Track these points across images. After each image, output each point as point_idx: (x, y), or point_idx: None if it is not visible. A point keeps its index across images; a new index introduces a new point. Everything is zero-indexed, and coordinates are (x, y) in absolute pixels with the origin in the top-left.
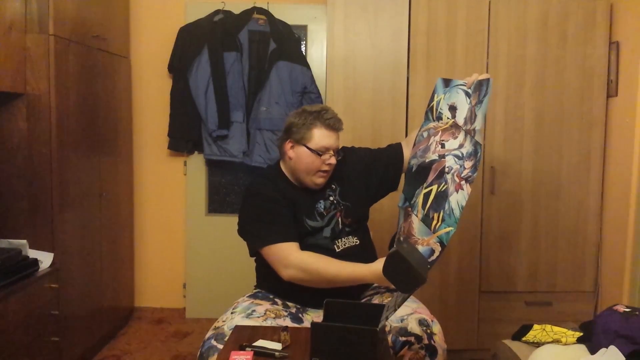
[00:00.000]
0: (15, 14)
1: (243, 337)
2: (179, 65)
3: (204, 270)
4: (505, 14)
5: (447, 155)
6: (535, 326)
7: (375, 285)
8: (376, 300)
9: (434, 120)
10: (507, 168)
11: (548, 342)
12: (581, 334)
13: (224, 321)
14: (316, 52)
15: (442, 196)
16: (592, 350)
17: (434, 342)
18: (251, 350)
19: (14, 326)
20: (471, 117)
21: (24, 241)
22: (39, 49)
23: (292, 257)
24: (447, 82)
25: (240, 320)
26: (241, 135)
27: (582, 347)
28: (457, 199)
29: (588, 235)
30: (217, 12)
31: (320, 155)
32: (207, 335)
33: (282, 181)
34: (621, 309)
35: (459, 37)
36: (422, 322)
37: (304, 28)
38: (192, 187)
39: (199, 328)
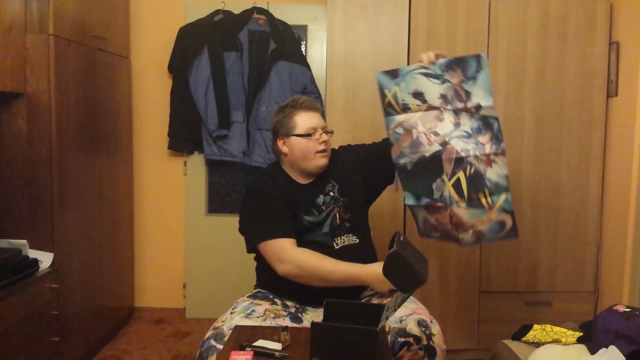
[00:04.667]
0: (15, 14)
1: (243, 337)
2: (179, 65)
3: (204, 270)
4: (505, 13)
5: (449, 140)
6: (535, 326)
7: None
8: (375, 300)
9: (400, 113)
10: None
11: (548, 342)
12: (581, 334)
13: (223, 321)
14: (316, 52)
15: (477, 177)
16: (592, 350)
17: (433, 343)
18: (251, 350)
19: (14, 326)
20: (459, 96)
21: (24, 241)
22: (39, 49)
23: (287, 253)
24: (393, 74)
25: (239, 320)
26: (241, 135)
27: (582, 347)
28: (496, 172)
29: (588, 235)
30: (217, 12)
31: (310, 135)
32: (207, 336)
33: (282, 178)
34: (621, 309)
35: (459, 36)
36: (421, 323)
37: (304, 28)
38: (192, 187)
39: (199, 328)
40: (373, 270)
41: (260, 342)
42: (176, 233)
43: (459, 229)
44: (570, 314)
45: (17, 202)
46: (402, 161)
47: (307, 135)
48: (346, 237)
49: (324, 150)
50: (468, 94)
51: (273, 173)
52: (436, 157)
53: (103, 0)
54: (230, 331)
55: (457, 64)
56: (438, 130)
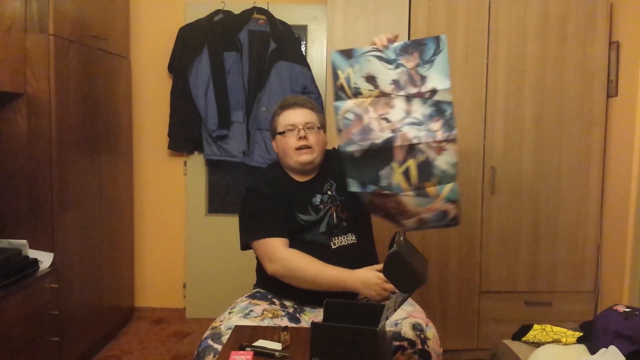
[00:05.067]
0: (15, 14)
1: (243, 337)
2: (179, 65)
3: (204, 270)
4: (505, 13)
5: (401, 127)
6: (535, 326)
7: None
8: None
9: (351, 98)
10: (507, 168)
11: (548, 342)
12: (581, 334)
13: (221, 321)
14: (316, 52)
15: (426, 166)
16: (592, 350)
17: (428, 347)
18: (251, 350)
19: (14, 326)
20: (412, 81)
21: (24, 241)
22: (39, 49)
23: (277, 252)
24: (347, 54)
25: (237, 320)
26: (241, 135)
27: (582, 347)
28: (446, 160)
29: (588, 235)
30: (217, 12)
31: (284, 133)
32: (205, 335)
33: (280, 177)
34: (621, 309)
35: (458, 36)
36: (416, 327)
37: (304, 28)
38: (192, 187)
39: (199, 328)
40: (360, 275)
41: (260, 342)
42: (176, 233)
43: (402, 215)
44: (570, 314)
45: (17, 202)
46: (349, 149)
47: (283, 132)
48: (344, 237)
49: (303, 147)
50: (423, 78)
51: (272, 172)
52: (387, 144)
53: (103, 0)
54: (228, 331)
55: (414, 47)
56: (389, 116)
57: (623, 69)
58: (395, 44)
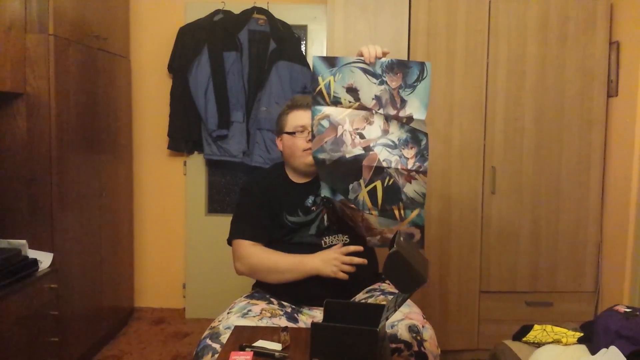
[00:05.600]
0: (15, 14)
1: (243, 337)
2: (179, 65)
3: (204, 271)
4: (505, 13)
5: (374, 146)
6: (536, 326)
7: (370, 287)
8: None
9: (329, 105)
10: (507, 168)
11: (548, 343)
12: (582, 334)
13: (219, 321)
14: (316, 52)
15: (393, 190)
16: (593, 351)
17: (424, 348)
18: (251, 350)
19: (14, 326)
20: (393, 102)
21: (24, 241)
22: (38, 48)
23: (241, 251)
24: (331, 61)
25: (235, 319)
26: (241, 135)
27: (583, 348)
28: (414, 189)
29: (588, 235)
30: (217, 12)
31: (294, 134)
32: (203, 335)
33: (278, 177)
34: (622, 309)
35: (459, 37)
36: (412, 329)
37: (304, 28)
38: (192, 187)
39: (198, 328)
40: (319, 254)
41: (260, 343)
42: (176, 233)
43: (367, 232)
44: (571, 314)
45: (17, 202)
46: (320, 156)
47: (293, 133)
48: (334, 236)
49: (310, 149)
50: (403, 102)
51: (268, 172)
52: (357, 161)
53: (103, 0)
54: (227, 330)
55: (400, 67)
56: (365, 133)
57: (623, 69)
58: (383, 59)
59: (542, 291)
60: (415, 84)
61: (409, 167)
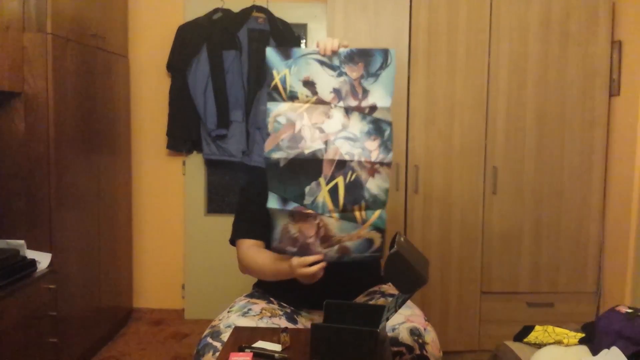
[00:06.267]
0: (12, 13)
1: (242, 338)
2: (178, 64)
3: (203, 271)
4: (506, 12)
5: (335, 140)
6: (537, 327)
7: (370, 290)
8: (375, 301)
9: (285, 101)
10: (508, 167)
11: (550, 343)
12: (583, 335)
13: (220, 320)
14: None
15: (356, 185)
16: (594, 352)
17: (426, 352)
18: (250, 351)
19: (12, 327)
20: (354, 93)
21: (22, 241)
22: (36, 47)
23: (239, 251)
24: (285, 53)
25: (236, 318)
26: (240, 135)
27: (584, 348)
28: (377, 184)
29: (590, 236)
30: (216, 10)
31: None
32: (204, 334)
33: None
34: (623, 309)
35: (460, 35)
36: (413, 332)
37: (303, 27)
38: (191, 187)
39: (198, 329)
40: (288, 260)
41: (260, 344)
42: (175, 233)
43: (324, 243)
44: (572, 315)
45: (15, 202)
46: (275, 155)
47: None
48: None
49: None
50: (365, 92)
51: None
52: (316, 156)
53: None
54: (227, 329)
55: (361, 56)
56: (324, 127)
57: (625, 68)
58: (342, 50)
59: (543, 292)
60: (379, 72)
61: (373, 159)
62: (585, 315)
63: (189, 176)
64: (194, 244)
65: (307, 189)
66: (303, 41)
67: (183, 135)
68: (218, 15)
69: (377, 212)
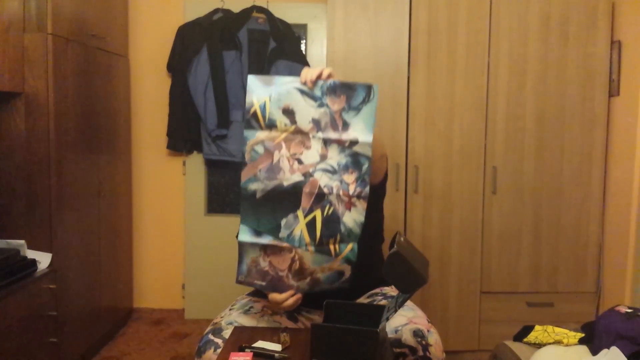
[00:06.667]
0: (13, 13)
1: (242, 338)
2: (178, 64)
3: (203, 271)
4: (506, 12)
5: (314, 172)
6: (537, 327)
7: (372, 292)
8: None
9: (263, 129)
10: (508, 167)
11: (550, 343)
12: (583, 335)
13: (221, 317)
14: (316, 51)
15: (333, 220)
16: (594, 352)
17: (430, 353)
18: (250, 351)
19: (12, 327)
20: (334, 125)
21: (22, 241)
22: (37, 48)
23: None
24: (267, 80)
25: (237, 316)
26: (241, 135)
27: (584, 348)
28: (353, 217)
29: (590, 236)
30: (216, 10)
31: None
32: (206, 331)
33: None
34: (623, 309)
35: (460, 35)
36: (417, 333)
37: (303, 27)
38: (191, 187)
39: (198, 329)
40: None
41: (260, 344)
42: (175, 233)
43: (297, 276)
44: (572, 315)
45: (15, 202)
46: (252, 186)
47: None
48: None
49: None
50: (346, 125)
51: None
52: (296, 189)
53: None
54: (229, 326)
55: (343, 89)
56: (302, 158)
57: (625, 68)
58: (322, 82)
59: (543, 292)
60: (360, 106)
61: (350, 192)
62: (585, 315)
63: (189, 176)
64: (194, 244)
65: (283, 221)
66: (303, 41)
67: (183, 135)
68: (218, 15)
69: (350, 245)
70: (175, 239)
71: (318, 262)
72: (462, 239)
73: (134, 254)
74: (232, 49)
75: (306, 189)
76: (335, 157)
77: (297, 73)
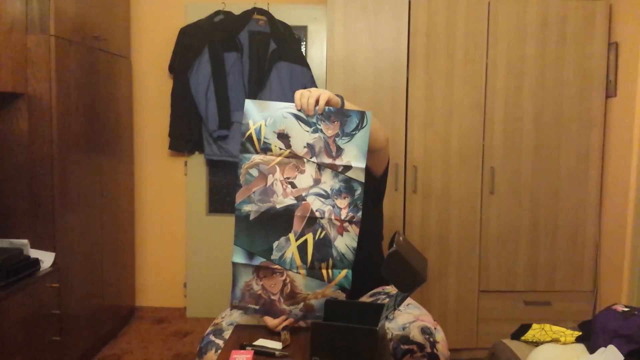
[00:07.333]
0: (16, 15)
1: (243, 336)
2: (180, 65)
3: (205, 270)
4: (504, 14)
5: (307, 195)
6: (534, 325)
7: (374, 291)
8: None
9: (258, 153)
10: (506, 168)
11: (547, 342)
12: (580, 333)
13: (222, 317)
14: (316, 52)
15: (325, 244)
16: (591, 350)
17: (437, 350)
18: (251, 349)
19: (15, 326)
20: (328, 150)
21: (25, 241)
22: (39, 49)
23: None
24: (263, 105)
25: (238, 316)
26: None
27: (581, 347)
28: (345, 242)
29: (587, 235)
30: (217, 12)
31: None
32: (207, 331)
33: None
34: (620, 308)
35: (458, 37)
36: (424, 330)
37: (304, 29)
38: (192, 187)
39: (199, 327)
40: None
41: (261, 342)
42: (177, 233)
43: (289, 300)
44: (569, 314)
45: (19, 202)
46: (246, 208)
47: None
48: None
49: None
50: (340, 150)
51: None
52: (288, 212)
53: (104, 1)
54: (229, 326)
55: (337, 116)
56: (296, 182)
57: (622, 70)
58: (322, 109)
59: (540, 290)
60: (354, 132)
61: (343, 217)
62: (582, 314)
63: (190, 176)
64: (195, 243)
65: (275, 244)
66: (303, 43)
67: (185, 136)
68: (219, 17)
69: (344, 272)
70: (177, 238)
71: (311, 288)
72: (461, 238)
73: (136, 253)
74: (233, 50)
75: (298, 213)
76: (329, 182)
77: (297, 74)
